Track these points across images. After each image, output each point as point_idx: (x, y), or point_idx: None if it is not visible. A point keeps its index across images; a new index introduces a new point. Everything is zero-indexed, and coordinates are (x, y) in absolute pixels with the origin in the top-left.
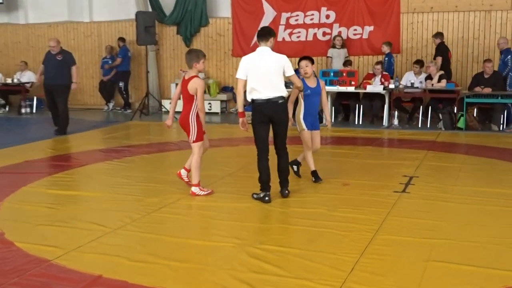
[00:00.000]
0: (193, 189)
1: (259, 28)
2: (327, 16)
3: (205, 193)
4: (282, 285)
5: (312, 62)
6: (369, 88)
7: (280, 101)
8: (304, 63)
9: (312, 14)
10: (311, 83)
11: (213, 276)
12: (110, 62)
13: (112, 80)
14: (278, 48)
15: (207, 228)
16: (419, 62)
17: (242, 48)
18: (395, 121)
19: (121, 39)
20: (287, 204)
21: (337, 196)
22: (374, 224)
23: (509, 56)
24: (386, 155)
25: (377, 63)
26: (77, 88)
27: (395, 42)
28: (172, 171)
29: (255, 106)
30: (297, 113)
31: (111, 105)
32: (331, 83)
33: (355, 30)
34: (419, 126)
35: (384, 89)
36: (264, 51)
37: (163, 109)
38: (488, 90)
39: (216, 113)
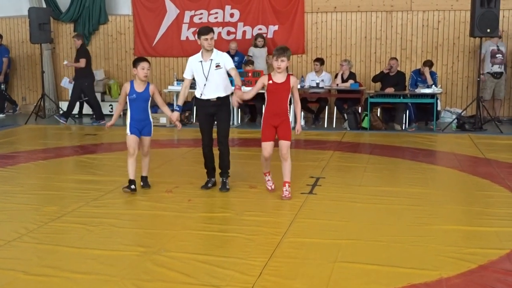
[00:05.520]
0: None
1: None
2: (232, 15)
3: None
4: None
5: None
6: None
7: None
8: None
9: (216, 13)
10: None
11: (118, 287)
12: None
13: None
14: (182, 47)
15: (110, 237)
16: (319, 60)
17: (144, 47)
18: (301, 122)
19: None
20: (193, 209)
21: (245, 200)
22: (281, 227)
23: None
24: (293, 156)
25: None
26: None
27: (300, 42)
28: (71, 177)
29: None
30: None
31: (16, 108)
32: None
33: (259, 29)
34: (325, 126)
35: None
36: None
37: (61, 111)
38: (390, 90)
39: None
